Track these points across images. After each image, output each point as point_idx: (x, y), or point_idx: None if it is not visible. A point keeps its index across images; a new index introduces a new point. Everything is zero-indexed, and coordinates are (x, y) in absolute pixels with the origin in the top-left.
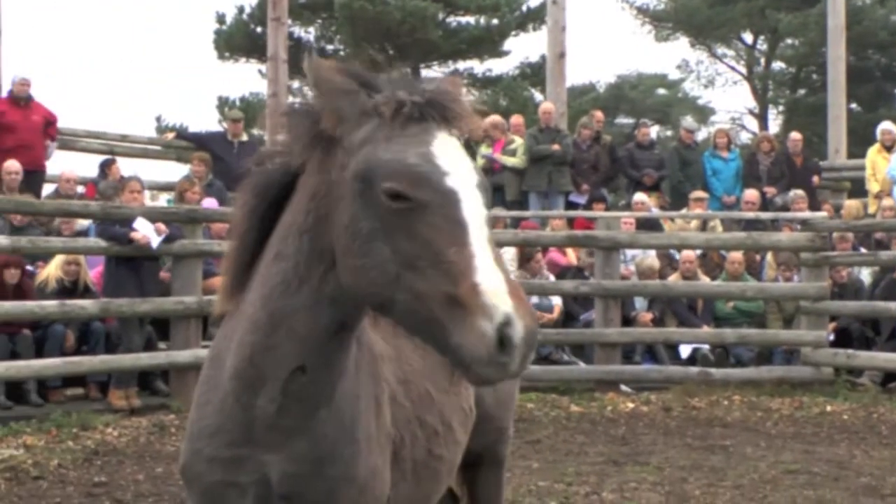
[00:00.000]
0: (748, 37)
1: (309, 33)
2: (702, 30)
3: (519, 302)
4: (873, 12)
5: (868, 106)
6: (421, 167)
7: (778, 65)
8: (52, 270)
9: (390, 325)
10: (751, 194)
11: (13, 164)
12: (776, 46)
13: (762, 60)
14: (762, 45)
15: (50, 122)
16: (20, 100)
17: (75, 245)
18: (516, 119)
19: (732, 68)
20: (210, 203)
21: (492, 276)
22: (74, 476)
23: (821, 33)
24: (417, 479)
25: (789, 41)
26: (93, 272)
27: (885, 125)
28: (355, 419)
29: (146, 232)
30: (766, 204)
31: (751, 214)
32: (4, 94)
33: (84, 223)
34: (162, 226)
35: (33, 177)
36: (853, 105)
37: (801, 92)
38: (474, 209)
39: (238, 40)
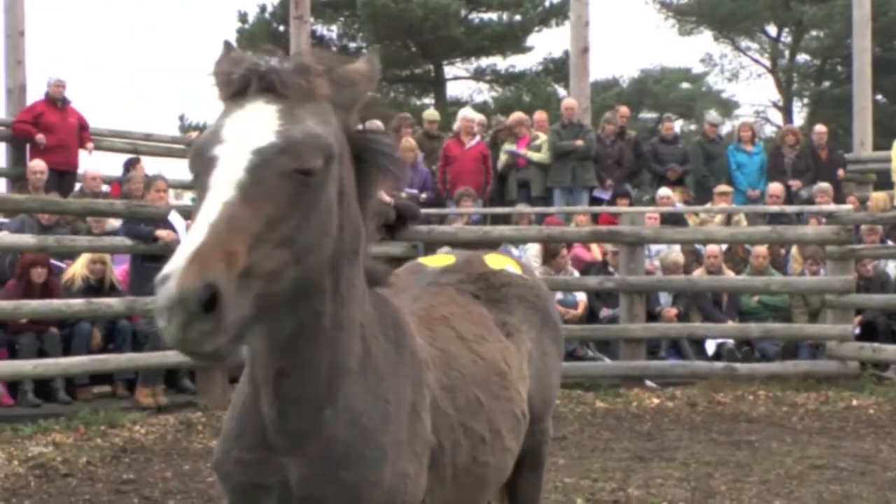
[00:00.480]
0: (772, 29)
1: (331, 31)
2: (725, 23)
3: (194, 262)
4: None
5: (894, 97)
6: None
7: (802, 57)
8: (77, 269)
9: (439, 329)
10: (775, 188)
11: (38, 164)
12: (800, 38)
13: (786, 53)
14: (786, 38)
15: (83, 126)
16: (57, 101)
17: (101, 244)
18: (540, 115)
19: (756, 61)
20: None
21: (188, 239)
22: (103, 473)
23: (846, 25)
24: (459, 486)
25: (814, 33)
26: (118, 270)
27: None
28: (382, 423)
29: (179, 227)
30: (790, 197)
31: (776, 208)
32: (41, 95)
33: (115, 224)
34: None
35: (67, 177)
36: (879, 97)
37: (826, 84)
38: (225, 173)
39: (260, 39)
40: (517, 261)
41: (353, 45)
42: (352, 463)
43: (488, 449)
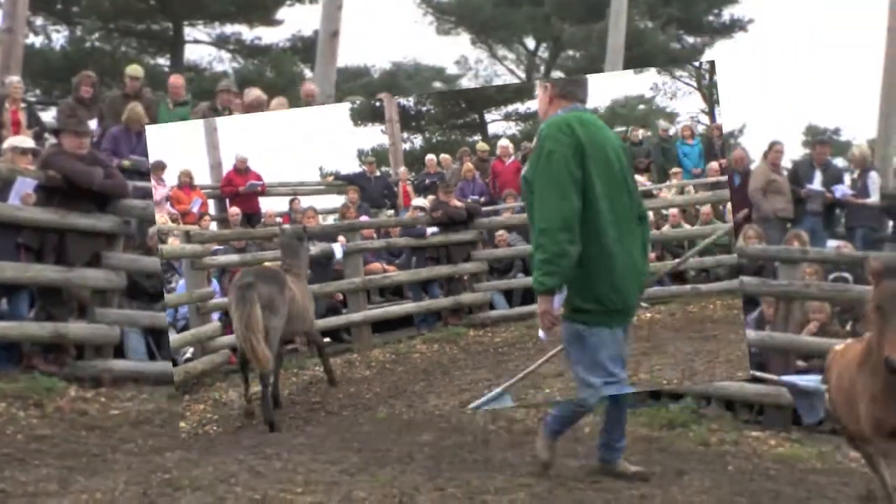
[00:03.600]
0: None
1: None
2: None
3: None
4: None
5: None
6: None
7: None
8: None
9: None
10: (713, 166)
11: (235, 210)
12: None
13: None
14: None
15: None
16: (241, 170)
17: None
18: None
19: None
20: (361, 219)
21: None
22: (300, 399)
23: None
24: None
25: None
26: None
27: None
28: None
29: (339, 255)
30: (724, 171)
31: (713, 179)
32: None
33: None
34: (343, 239)
35: (252, 218)
36: None
37: None
38: None
39: (365, 112)
40: None
41: None
42: None
43: None
